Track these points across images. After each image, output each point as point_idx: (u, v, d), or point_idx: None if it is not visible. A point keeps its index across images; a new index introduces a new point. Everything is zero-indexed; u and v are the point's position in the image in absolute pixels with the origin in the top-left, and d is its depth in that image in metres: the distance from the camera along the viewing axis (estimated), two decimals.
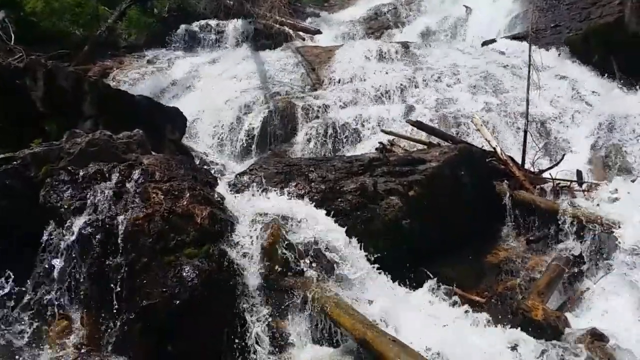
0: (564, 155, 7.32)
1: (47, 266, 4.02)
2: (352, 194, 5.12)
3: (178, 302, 3.72)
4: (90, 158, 4.52)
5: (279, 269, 4.11)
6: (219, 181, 5.00)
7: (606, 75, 10.16)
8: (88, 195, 4.13)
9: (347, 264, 4.33)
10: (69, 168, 4.38)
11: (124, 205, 4.01)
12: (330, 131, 9.18)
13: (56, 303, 3.98)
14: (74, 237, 3.98)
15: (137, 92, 9.03)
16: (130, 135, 5.00)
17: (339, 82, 10.91)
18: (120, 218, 3.94)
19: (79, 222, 4.01)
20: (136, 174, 4.20)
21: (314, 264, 4.19)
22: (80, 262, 3.96)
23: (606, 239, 5.14)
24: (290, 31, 14.63)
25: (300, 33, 14.95)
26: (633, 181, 6.03)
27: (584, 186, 6.35)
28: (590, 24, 11.72)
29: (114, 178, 4.20)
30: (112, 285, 3.83)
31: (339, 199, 5.07)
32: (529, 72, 7.05)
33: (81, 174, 4.30)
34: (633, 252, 4.99)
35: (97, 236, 3.94)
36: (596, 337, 4.03)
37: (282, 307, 3.99)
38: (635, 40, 10.05)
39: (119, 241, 3.88)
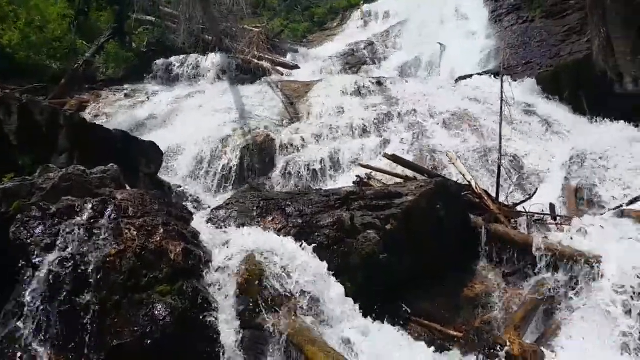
0: (536, 189, 7.44)
1: (17, 303, 3.91)
2: (330, 228, 5.11)
3: (150, 341, 3.64)
4: (63, 193, 4.46)
5: (255, 306, 4.05)
6: (194, 216, 4.96)
7: (576, 110, 10.45)
8: (59, 232, 4.06)
9: (325, 300, 4.29)
10: (41, 204, 4.30)
11: (95, 242, 3.94)
12: (307, 165, 9.22)
13: (25, 341, 3.86)
14: (43, 274, 3.88)
15: (113, 126, 8.98)
16: (105, 170, 4.96)
17: (317, 117, 11.01)
18: (92, 255, 3.87)
19: (49, 259, 3.92)
20: (109, 210, 4.14)
21: (290, 301, 4.13)
22: (50, 300, 3.86)
23: (580, 271, 5.19)
24: (269, 66, 14.79)
25: (279, 68, 15.11)
26: (603, 214, 6.12)
27: (557, 219, 6.45)
28: (560, 60, 12.11)
29: (86, 214, 4.13)
30: (82, 323, 3.73)
31: (316, 234, 5.05)
32: (501, 107, 7.20)
33: (53, 209, 4.23)
34: (608, 285, 5.05)
35: (67, 273, 3.85)
36: None
37: (258, 345, 3.93)
38: (603, 76, 10.39)
39: (90, 278, 3.80)
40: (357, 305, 4.45)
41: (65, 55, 14.03)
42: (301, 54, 17.41)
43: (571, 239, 5.57)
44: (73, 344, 3.74)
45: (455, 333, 4.90)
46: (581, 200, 7.57)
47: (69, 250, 3.94)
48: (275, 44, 17.08)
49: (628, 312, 4.74)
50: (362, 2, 20.59)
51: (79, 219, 4.12)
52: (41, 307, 3.86)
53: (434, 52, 15.05)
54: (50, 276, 3.86)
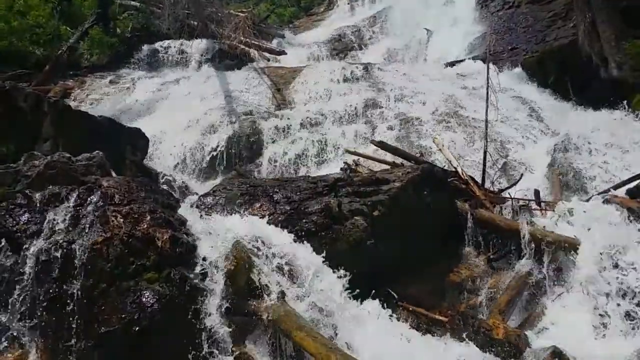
0: (521, 175, 7.50)
1: (3, 292, 3.90)
2: (317, 215, 5.12)
3: (138, 328, 3.64)
4: (48, 181, 4.43)
5: (244, 293, 4.07)
6: (181, 203, 4.94)
7: (561, 95, 10.52)
8: (45, 219, 4.03)
9: (312, 285, 4.31)
10: (26, 191, 4.27)
11: (81, 230, 3.92)
12: (295, 151, 9.21)
13: (12, 330, 3.86)
14: (30, 263, 3.87)
15: (98, 113, 8.89)
16: (90, 157, 4.92)
17: (304, 103, 10.98)
18: (78, 242, 3.85)
19: (35, 247, 3.90)
20: (95, 197, 4.12)
21: (278, 287, 4.16)
22: (37, 288, 3.85)
23: (564, 257, 5.27)
24: (255, 52, 14.68)
25: (265, 54, 15.01)
26: (588, 200, 6.20)
27: (542, 205, 6.51)
28: (545, 46, 12.17)
29: (72, 201, 4.11)
30: (69, 311, 3.73)
31: (304, 220, 5.06)
32: (487, 93, 7.23)
33: (38, 197, 4.20)
34: (590, 270, 5.14)
35: (53, 261, 3.84)
36: (556, 356, 4.10)
37: (247, 331, 3.95)
38: (588, 62, 10.47)
39: (77, 266, 3.79)
40: (347, 292, 4.48)
41: (49, 41, 13.82)
42: (288, 40, 17.31)
43: (555, 224, 5.64)
44: (60, 331, 3.74)
45: (441, 317, 4.95)
46: (566, 186, 7.65)
47: (55, 238, 3.92)
48: (261, 29, 16.94)
49: (606, 295, 4.85)
50: None
51: (64, 206, 4.10)
52: (28, 295, 3.85)
53: (420, 38, 15.05)
54: (37, 264, 3.85)
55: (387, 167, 7.09)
